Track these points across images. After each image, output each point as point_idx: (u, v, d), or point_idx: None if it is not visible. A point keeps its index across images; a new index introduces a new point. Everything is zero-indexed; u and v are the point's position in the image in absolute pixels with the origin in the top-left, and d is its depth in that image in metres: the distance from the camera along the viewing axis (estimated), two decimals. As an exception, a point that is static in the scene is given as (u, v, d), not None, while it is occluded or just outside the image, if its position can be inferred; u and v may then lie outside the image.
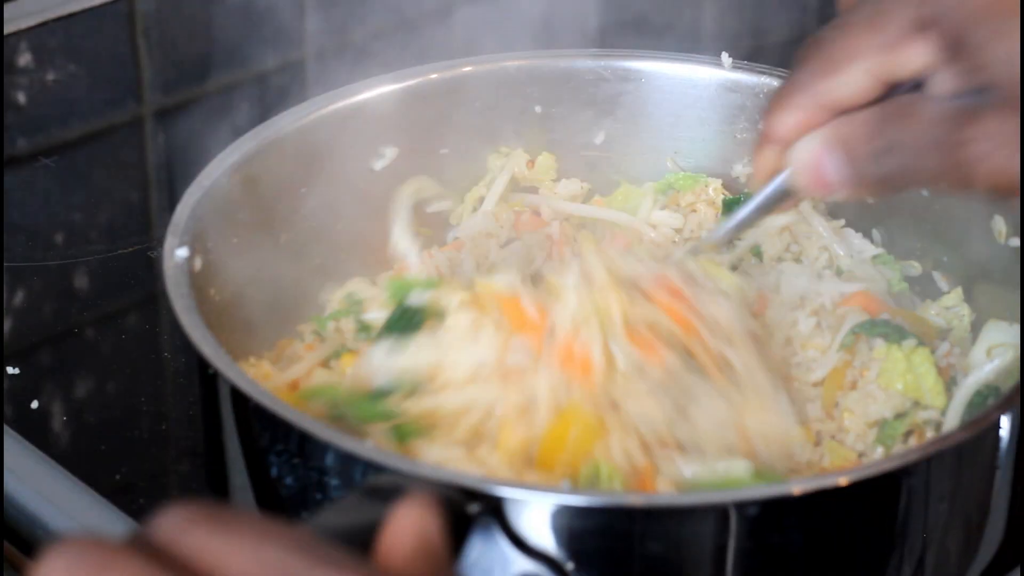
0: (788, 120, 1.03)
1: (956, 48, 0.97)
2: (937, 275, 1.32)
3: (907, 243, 1.33)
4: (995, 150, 0.95)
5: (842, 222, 1.35)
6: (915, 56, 0.99)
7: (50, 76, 1.76)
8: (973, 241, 1.27)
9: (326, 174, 1.31)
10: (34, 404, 1.31)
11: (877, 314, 1.23)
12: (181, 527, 0.62)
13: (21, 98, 1.72)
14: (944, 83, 0.98)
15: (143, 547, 0.62)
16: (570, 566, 0.97)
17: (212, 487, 1.14)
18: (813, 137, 1.02)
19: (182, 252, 1.15)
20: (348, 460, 0.99)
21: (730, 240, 1.26)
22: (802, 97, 1.03)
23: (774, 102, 1.05)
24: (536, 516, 0.96)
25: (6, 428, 1.26)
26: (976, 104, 0.96)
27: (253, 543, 0.62)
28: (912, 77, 1.00)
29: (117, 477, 1.24)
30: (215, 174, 1.23)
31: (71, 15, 1.82)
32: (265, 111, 1.31)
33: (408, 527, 0.69)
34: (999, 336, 1.22)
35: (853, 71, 1.01)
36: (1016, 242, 1.23)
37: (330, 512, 0.86)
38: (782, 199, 1.11)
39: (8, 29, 1.78)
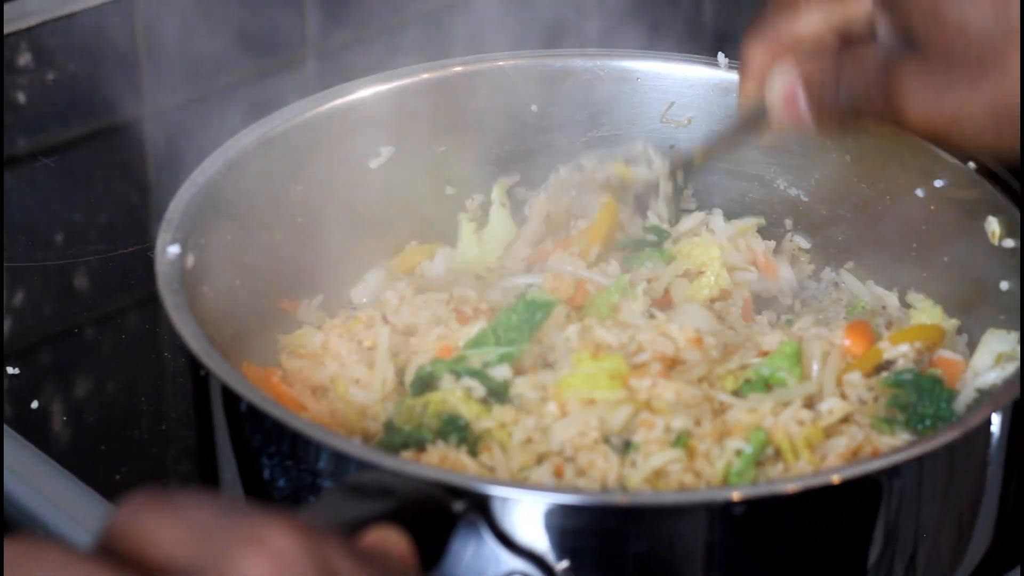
0: (759, 55, 1.19)
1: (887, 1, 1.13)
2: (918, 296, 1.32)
3: (889, 273, 1.34)
4: (916, 91, 1.10)
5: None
6: (858, 7, 1.16)
7: (50, 76, 1.76)
8: (967, 249, 1.27)
9: (321, 172, 1.31)
10: (34, 404, 1.32)
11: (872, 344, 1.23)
12: (135, 512, 0.70)
13: (21, 98, 1.72)
14: (883, 32, 1.15)
15: (101, 548, 0.70)
16: (560, 564, 0.97)
17: (206, 487, 1.14)
18: (787, 71, 1.17)
19: (174, 249, 1.15)
20: (340, 460, 0.99)
21: (708, 154, 1.34)
22: (769, 36, 1.19)
23: (747, 39, 1.20)
24: (522, 514, 0.96)
25: (6, 428, 1.27)
26: (903, 51, 1.12)
27: (183, 512, 0.70)
28: (860, 25, 1.16)
29: (117, 477, 1.25)
30: (209, 172, 1.23)
31: (71, 15, 1.82)
32: (264, 111, 1.31)
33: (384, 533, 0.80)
34: (998, 345, 1.22)
35: (811, 15, 1.18)
36: (1010, 243, 1.23)
37: (317, 507, 0.87)
38: (758, 123, 1.22)
39: (8, 29, 1.78)
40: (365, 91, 1.34)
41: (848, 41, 1.17)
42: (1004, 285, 1.23)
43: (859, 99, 1.14)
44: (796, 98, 1.16)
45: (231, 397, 1.03)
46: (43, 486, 1.22)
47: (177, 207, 1.18)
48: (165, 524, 0.69)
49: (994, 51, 1.06)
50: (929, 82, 1.10)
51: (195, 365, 1.06)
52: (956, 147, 1.24)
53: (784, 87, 1.17)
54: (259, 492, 1.04)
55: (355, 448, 0.99)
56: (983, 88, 1.07)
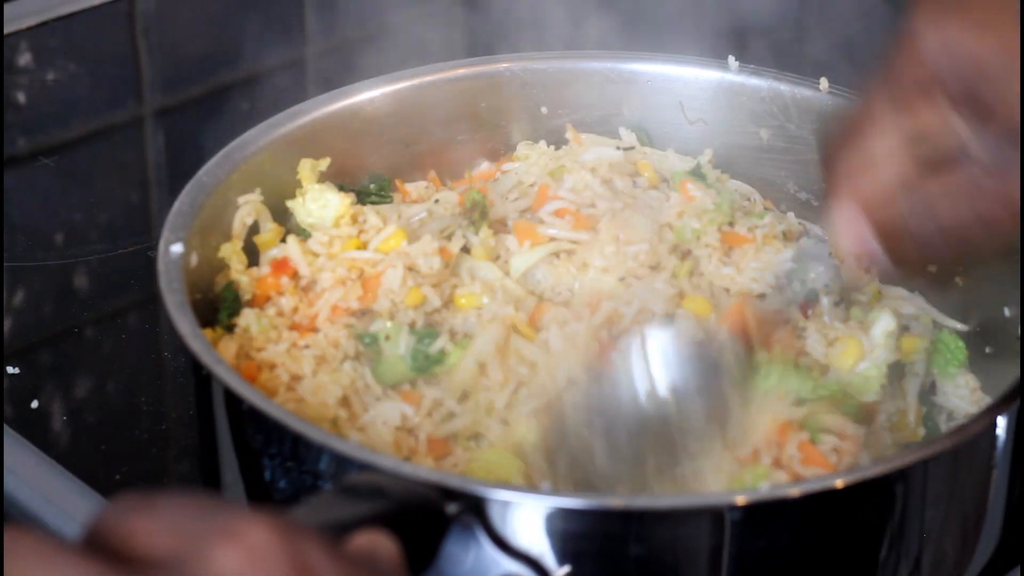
0: (852, 231, 1.06)
1: (972, 104, 0.99)
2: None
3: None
4: None
5: None
6: (932, 117, 1.01)
7: (50, 76, 1.76)
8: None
9: (327, 172, 1.31)
10: (34, 404, 1.31)
11: None
12: (119, 511, 0.71)
13: (21, 98, 1.72)
14: (972, 140, 1.01)
15: (88, 543, 0.70)
16: (561, 570, 0.97)
17: (207, 488, 1.14)
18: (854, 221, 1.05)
19: (176, 248, 1.15)
20: (341, 462, 0.99)
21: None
22: (844, 188, 1.06)
23: (833, 213, 1.06)
24: (518, 517, 0.96)
25: (6, 428, 1.27)
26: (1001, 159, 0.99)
27: (165, 510, 0.71)
28: (943, 138, 1.01)
29: (117, 477, 1.24)
30: (215, 171, 1.23)
31: (71, 15, 1.82)
32: (265, 111, 1.31)
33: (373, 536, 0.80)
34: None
35: (884, 140, 1.03)
36: None
37: (307, 507, 0.87)
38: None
39: (8, 29, 1.78)
40: (371, 92, 1.34)
41: (936, 164, 1.02)
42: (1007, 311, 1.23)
43: (949, 237, 1.01)
44: (870, 252, 1.05)
45: (232, 398, 1.03)
46: (43, 486, 1.22)
47: (181, 206, 1.18)
48: (146, 521, 0.70)
49: None
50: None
51: (196, 365, 1.05)
52: None
53: (853, 241, 1.06)
54: (260, 493, 1.04)
55: (354, 449, 0.99)
56: None
